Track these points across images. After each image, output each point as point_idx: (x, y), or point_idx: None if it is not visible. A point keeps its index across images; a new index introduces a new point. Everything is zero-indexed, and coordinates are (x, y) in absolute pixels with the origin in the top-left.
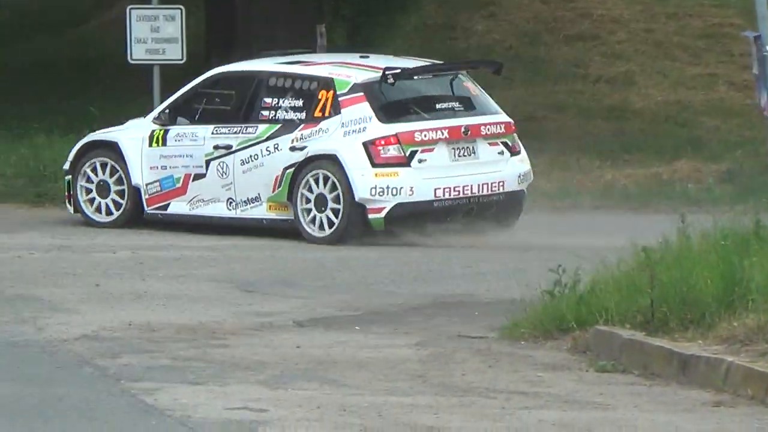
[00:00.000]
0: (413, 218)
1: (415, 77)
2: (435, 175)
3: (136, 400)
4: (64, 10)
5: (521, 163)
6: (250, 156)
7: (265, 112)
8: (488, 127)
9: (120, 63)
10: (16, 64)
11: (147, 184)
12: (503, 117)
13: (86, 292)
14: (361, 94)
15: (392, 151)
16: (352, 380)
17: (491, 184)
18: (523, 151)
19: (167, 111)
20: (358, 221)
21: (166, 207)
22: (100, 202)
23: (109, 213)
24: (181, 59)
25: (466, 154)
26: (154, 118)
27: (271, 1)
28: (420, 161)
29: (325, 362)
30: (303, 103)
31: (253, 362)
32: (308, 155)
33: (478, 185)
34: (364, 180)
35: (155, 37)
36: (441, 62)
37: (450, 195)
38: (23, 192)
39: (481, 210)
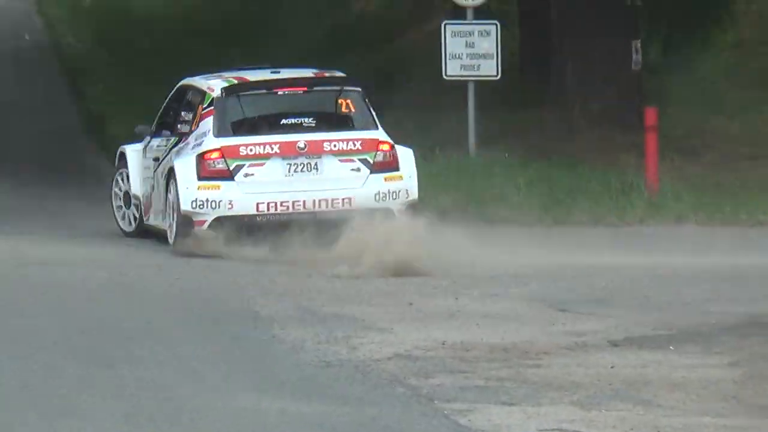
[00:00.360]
0: (240, 230)
1: (245, 93)
2: (261, 190)
3: (450, 421)
4: (378, 25)
5: (388, 182)
6: (161, 169)
7: (179, 125)
8: (336, 143)
9: (435, 79)
10: None
11: (142, 195)
12: (368, 134)
13: (399, 311)
14: (212, 108)
15: (219, 164)
16: (665, 401)
17: (332, 200)
18: (405, 168)
19: (156, 123)
20: (189, 233)
21: (148, 217)
22: (124, 212)
23: (130, 223)
24: (496, 75)
25: (306, 169)
26: (152, 130)
27: (587, 16)
28: (246, 175)
29: (638, 382)
30: (191, 116)
31: (567, 382)
32: (166, 169)
33: (315, 201)
34: (188, 193)
35: (470, 52)
36: (307, 78)
37: (276, 209)
38: None
39: (323, 226)
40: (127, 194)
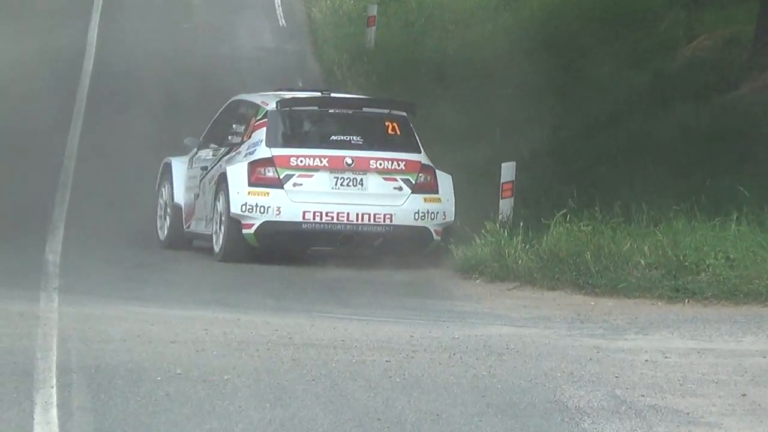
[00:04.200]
0: (286, 237)
1: (297, 108)
2: (308, 199)
3: None
4: (710, 74)
5: (427, 202)
6: (210, 177)
7: (230, 136)
8: (381, 162)
9: None
10: (654, 134)
11: (185, 203)
12: (411, 156)
13: (730, 402)
14: (265, 120)
15: (269, 173)
16: None
17: (374, 215)
18: (444, 192)
19: (204, 136)
20: (236, 236)
21: (189, 225)
22: (163, 222)
23: (165, 232)
24: None
25: (351, 184)
26: (200, 142)
27: None
28: (295, 185)
29: None
30: (243, 128)
31: None
32: (216, 175)
33: (358, 214)
34: (238, 197)
35: None
36: (357, 98)
37: (321, 219)
38: (658, 285)
39: (362, 239)
40: (165, 205)
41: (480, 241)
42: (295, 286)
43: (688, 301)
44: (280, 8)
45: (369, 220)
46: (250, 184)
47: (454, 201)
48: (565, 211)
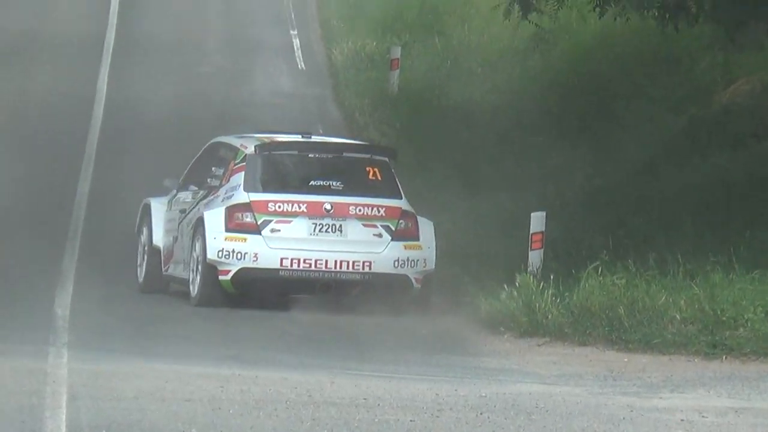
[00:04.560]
0: (263, 284)
1: (277, 152)
2: (286, 246)
3: None
4: (748, 120)
5: (408, 249)
6: (188, 220)
7: (209, 179)
8: (361, 207)
9: None
10: (691, 182)
11: (164, 246)
12: (392, 202)
13: None
14: (244, 164)
15: (247, 218)
16: None
17: (353, 262)
18: (425, 239)
19: (183, 178)
20: (212, 282)
21: (167, 268)
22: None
23: (143, 276)
24: None
25: (330, 230)
26: (179, 183)
27: None
28: (273, 230)
29: None
30: (222, 171)
31: None
32: (194, 219)
33: (336, 261)
34: (215, 242)
35: None
36: (338, 142)
37: (299, 266)
38: (695, 340)
39: (341, 287)
40: (145, 248)
41: (508, 294)
42: (313, 340)
43: (726, 358)
44: (299, 51)
45: (348, 268)
46: (228, 230)
47: (435, 248)
48: (597, 263)
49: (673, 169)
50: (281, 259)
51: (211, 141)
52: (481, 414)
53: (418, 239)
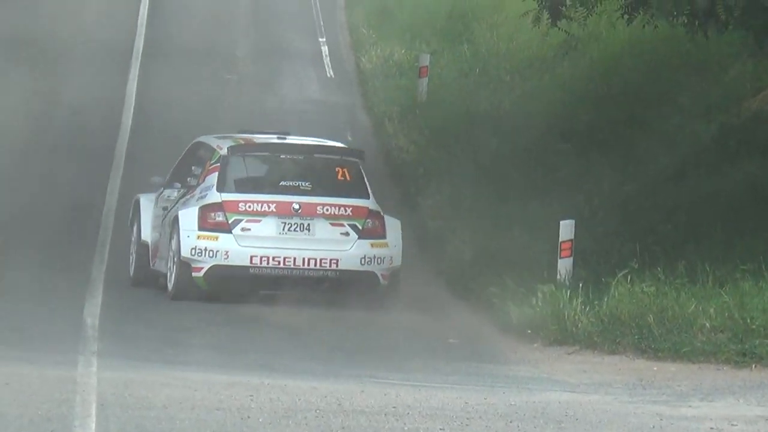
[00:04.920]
0: (234, 281)
1: (249, 153)
2: (255, 244)
3: None
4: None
5: (374, 248)
6: (168, 218)
7: (189, 178)
8: (328, 207)
9: None
10: (720, 190)
11: (151, 241)
12: (359, 202)
13: None
14: (218, 164)
15: (219, 217)
16: None
17: (320, 260)
18: (392, 238)
19: (170, 175)
20: (187, 279)
21: (154, 263)
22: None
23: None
24: None
25: (298, 229)
26: (165, 181)
27: None
28: (243, 229)
29: None
30: (200, 171)
31: None
32: (171, 218)
33: (304, 259)
34: (188, 240)
35: None
36: (309, 144)
37: (268, 263)
38: (724, 349)
39: (308, 283)
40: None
41: (537, 302)
42: (342, 349)
43: (756, 366)
44: (328, 58)
45: (315, 265)
46: (200, 228)
47: (401, 245)
48: (626, 271)
49: (702, 176)
50: (251, 257)
51: (194, 140)
52: (510, 422)
53: (384, 237)
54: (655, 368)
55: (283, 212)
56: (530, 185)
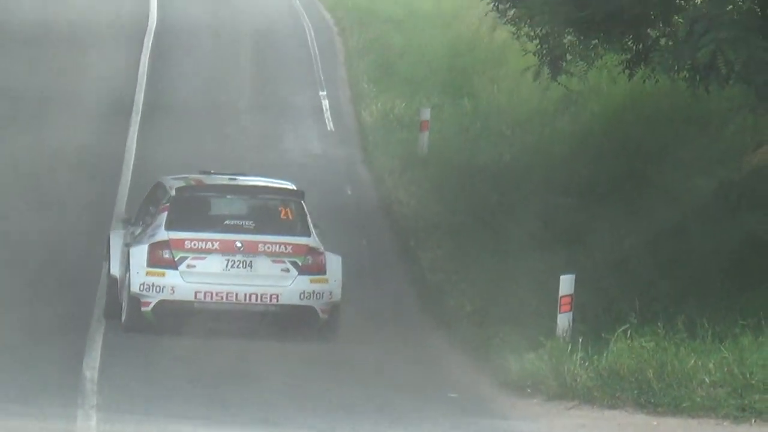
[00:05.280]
0: (180, 315)
1: (196, 194)
2: (200, 280)
3: None
4: None
5: (313, 283)
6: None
7: (147, 216)
8: (270, 245)
9: None
10: (720, 244)
11: (119, 276)
12: (300, 240)
13: None
14: (168, 204)
15: (166, 254)
16: None
17: (261, 295)
18: (332, 273)
19: (137, 212)
20: (136, 313)
21: (121, 297)
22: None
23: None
24: None
25: (241, 266)
26: (132, 219)
27: None
28: (188, 266)
29: None
30: (156, 210)
31: None
32: (125, 254)
33: (246, 294)
34: (138, 276)
35: None
36: (253, 186)
37: (212, 298)
38: (724, 404)
39: (250, 318)
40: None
41: (537, 357)
42: (343, 405)
43: (755, 421)
44: (329, 112)
45: (256, 300)
46: (149, 265)
47: (341, 281)
48: (626, 326)
49: (702, 231)
50: (195, 293)
51: (156, 181)
52: None
53: (324, 273)
54: (654, 423)
55: (226, 250)
56: (530, 239)
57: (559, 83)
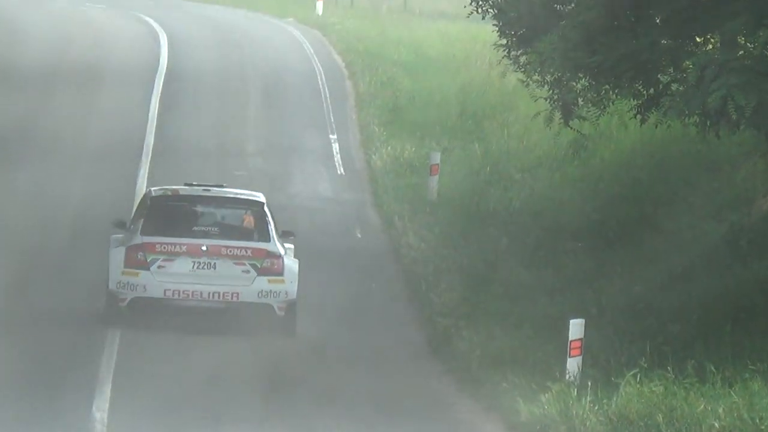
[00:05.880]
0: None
1: (169, 202)
2: (169, 280)
3: None
4: None
5: (271, 284)
6: None
7: (133, 224)
8: (232, 249)
9: None
10: (731, 290)
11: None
12: (259, 245)
13: None
14: (145, 211)
15: (140, 256)
16: None
17: (223, 293)
18: (288, 275)
19: (131, 219)
20: (114, 308)
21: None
22: None
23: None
24: None
25: (206, 267)
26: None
27: None
28: (159, 267)
29: None
30: (138, 217)
31: None
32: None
33: (210, 293)
34: (115, 276)
35: None
36: (220, 196)
37: (179, 296)
38: None
39: (213, 313)
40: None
41: (546, 401)
42: None
43: None
44: (338, 155)
45: (219, 298)
46: (125, 266)
47: (297, 282)
48: (636, 370)
49: (712, 276)
50: (165, 290)
51: (146, 191)
52: None
53: (282, 275)
54: None
55: (193, 253)
56: (540, 284)
57: (571, 128)
